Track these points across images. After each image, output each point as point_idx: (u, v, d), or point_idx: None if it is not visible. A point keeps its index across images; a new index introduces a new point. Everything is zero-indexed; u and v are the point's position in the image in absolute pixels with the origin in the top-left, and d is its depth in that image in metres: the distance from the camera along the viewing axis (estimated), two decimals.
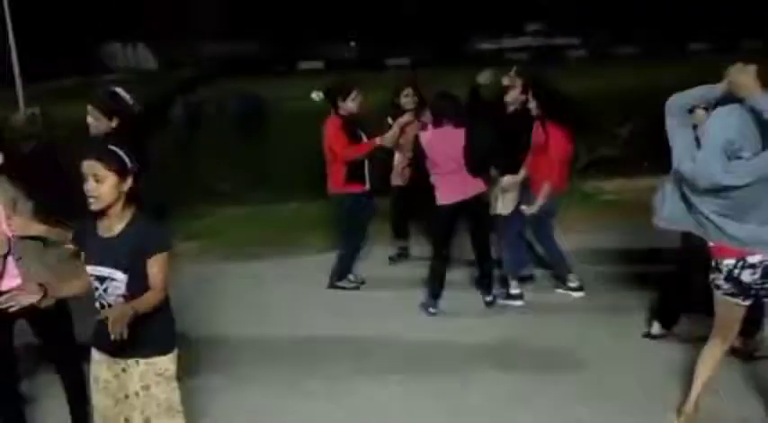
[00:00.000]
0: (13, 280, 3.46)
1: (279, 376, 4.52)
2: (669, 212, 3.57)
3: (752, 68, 3.24)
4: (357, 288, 6.04)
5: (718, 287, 3.51)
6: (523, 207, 5.37)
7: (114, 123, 3.96)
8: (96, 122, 4.00)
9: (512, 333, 5.01)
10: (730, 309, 3.52)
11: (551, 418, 3.94)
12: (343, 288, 6.01)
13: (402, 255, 6.70)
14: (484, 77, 5.52)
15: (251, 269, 6.60)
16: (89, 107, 4.02)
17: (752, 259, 3.37)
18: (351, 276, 6.09)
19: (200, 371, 4.41)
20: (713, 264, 3.51)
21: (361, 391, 4.30)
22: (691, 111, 3.59)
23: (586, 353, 4.65)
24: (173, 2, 36.16)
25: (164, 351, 3.00)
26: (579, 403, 4.01)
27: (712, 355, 3.63)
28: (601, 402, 4.01)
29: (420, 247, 6.58)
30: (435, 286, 5.44)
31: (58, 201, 3.42)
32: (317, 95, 10.06)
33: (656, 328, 4.76)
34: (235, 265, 6.72)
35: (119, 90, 4.09)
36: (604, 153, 9.67)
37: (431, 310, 5.43)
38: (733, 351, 3.98)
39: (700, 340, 3.89)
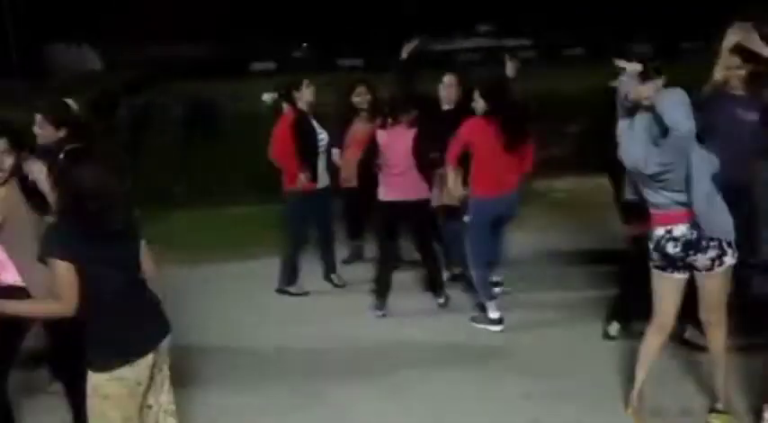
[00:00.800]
0: (13, 276, 3.44)
1: (277, 377, 4.49)
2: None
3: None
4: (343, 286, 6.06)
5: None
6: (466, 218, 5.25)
7: (62, 133, 3.93)
8: (44, 132, 3.97)
9: (502, 335, 4.99)
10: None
11: (548, 418, 3.90)
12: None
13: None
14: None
15: (251, 269, 6.47)
16: (37, 117, 4.00)
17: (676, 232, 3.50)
18: (333, 277, 6.13)
19: (197, 373, 4.39)
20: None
21: (360, 392, 4.28)
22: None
23: (579, 353, 4.64)
24: (119, 2, 35.47)
25: (98, 368, 2.85)
26: (572, 402, 4.00)
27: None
28: (599, 402, 3.99)
29: (408, 250, 6.26)
30: (435, 286, 5.55)
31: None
32: (268, 97, 9.90)
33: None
34: (234, 265, 6.62)
35: (68, 101, 4.10)
36: (554, 152, 9.82)
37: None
38: (733, 349, 3.89)
39: (683, 339, 4.14)
